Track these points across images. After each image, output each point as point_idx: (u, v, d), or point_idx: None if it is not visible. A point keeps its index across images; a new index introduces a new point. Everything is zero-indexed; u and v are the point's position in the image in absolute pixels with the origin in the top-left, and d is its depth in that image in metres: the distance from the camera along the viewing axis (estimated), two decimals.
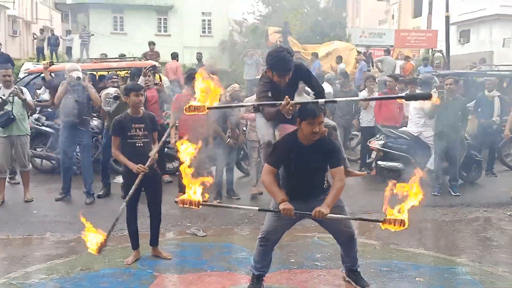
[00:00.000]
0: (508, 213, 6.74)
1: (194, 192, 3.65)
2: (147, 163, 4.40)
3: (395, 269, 4.58)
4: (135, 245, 4.76)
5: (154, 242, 4.83)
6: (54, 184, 7.91)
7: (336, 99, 6.35)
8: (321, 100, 3.72)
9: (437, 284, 4.27)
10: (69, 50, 21.30)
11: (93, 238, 3.94)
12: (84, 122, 6.75)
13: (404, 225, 3.53)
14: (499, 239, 5.69)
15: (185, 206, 3.71)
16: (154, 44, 14.98)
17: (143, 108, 4.83)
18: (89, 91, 6.72)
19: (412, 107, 7.89)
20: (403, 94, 3.68)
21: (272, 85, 3.87)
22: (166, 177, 7.69)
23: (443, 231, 6.10)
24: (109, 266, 4.63)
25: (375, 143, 8.09)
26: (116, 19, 28.23)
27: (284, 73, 3.78)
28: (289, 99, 3.52)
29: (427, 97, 3.56)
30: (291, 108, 3.52)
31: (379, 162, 8.08)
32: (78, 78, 6.58)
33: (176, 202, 3.75)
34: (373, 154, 8.38)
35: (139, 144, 4.56)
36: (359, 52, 16.93)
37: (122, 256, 4.86)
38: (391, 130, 8.04)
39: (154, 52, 14.58)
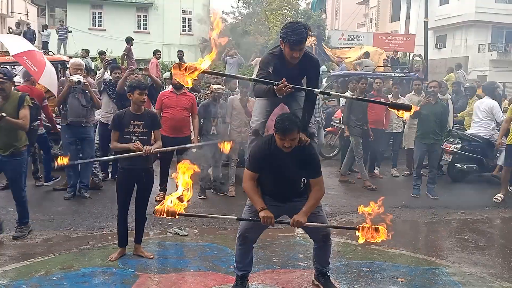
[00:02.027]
0: (485, 215, 6.89)
1: (171, 202, 3.51)
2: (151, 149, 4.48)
3: (377, 269, 4.63)
4: (123, 243, 4.71)
5: (138, 239, 4.77)
6: (29, 182, 7.75)
7: (330, 92, 6.43)
8: (316, 90, 3.74)
9: (418, 284, 4.33)
10: (45, 45, 20.84)
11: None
12: (89, 119, 6.75)
13: (379, 232, 3.54)
14: (477, 241, 5.80)
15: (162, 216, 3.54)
16: (132, 40, 14.80)
17: (144, 106, 4.81)
18: (92, 95, 6.59)
19: (481, 110, 8.30)
20: (388, 102, 3.75)
21: (277, 65, 3.83)
22: None
23: (422, 232, 6.21)
24: (89, 265, 4.54)
25: (452, 147, 8.43)
26: (95, 14, 27.78)
27: (296, 45, 3.69)
28: (286, 82, 3.49)
29: (408, 108, 3.65)
30: (286, 91, 3.50)
31: (457, 164, 8.51)
32: (79, 82, 6.39)
33: (154, 213, 3.57)
34: (447, 157, 8.58)
35: (135, 141, 4.53)
36: (387, 56, 16.88)
37: (102, 255, 4.77)
38: (465, 133, 8.69)
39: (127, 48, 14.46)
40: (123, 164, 4.61)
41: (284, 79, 3.52)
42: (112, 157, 5.36)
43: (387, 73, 11.99)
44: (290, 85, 3.50)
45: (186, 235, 5.54)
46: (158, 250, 5.03)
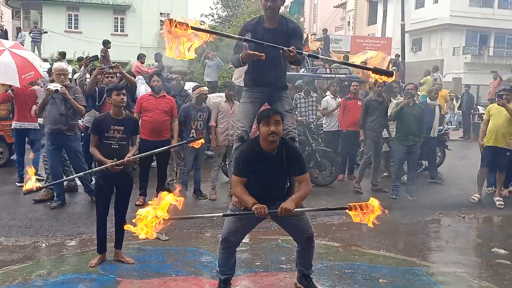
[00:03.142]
0: (462, 215, 7.01)
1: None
2: (124, 159, 4.41)
3: (359, 271, 4.65)
4: (103, 248, 4.63)
5: (119, 244, 4.71)
6: (6, 187, 7.60)
7: (317, 55, 6.39)
8: (305, 53, 3.77)
9: (399, 285, 4.37)
10: None
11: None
12: (71, 127, 6.44)
13: (371, 208, 3.46)
14: (456, 241, 5.90)
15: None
16: (109, 42, 14.63)
17: (126, 111, 4.74)
18: (71, 102, 6.28)
19: None
20: (371, 67, 3.70)
21: (257, 31, 3.94)
22: None
23: (402, 233, 6.28)
24: (68, 271, 4.45)
25: None
26: (71, 16, 27.41)
27: None
28: (257, 52, 3.62)
29: (391, 74, 3.61)
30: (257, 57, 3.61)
31: None
32: (56, 90, 6.16)
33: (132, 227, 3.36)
34: None
35: (114, 146, 4.47)
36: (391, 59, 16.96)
37: (81, 261, 4.69)
38: None
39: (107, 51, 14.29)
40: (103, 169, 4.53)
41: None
42: (88, 171, 5.31)
43: (328, 75, 11.97)
44: (262, 54, 3.60)
45: (167, 239, 5.49)
46: (139, 255, 4.96)
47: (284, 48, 3.51)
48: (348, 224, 6.34)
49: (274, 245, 5.37)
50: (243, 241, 5.31)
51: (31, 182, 4.00)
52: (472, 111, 15.84)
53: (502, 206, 7.37)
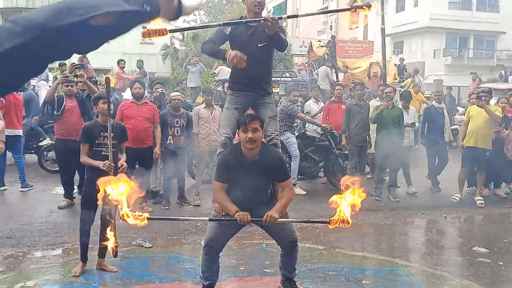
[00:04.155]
0: (444, 216, 7.10)
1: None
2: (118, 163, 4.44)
3: (342, 272, 4.69)
4: (85, 257, 4.58)
5: (102, 253, 4.67)
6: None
7: (298, 14, 6.35)
8: (284, 16, 3.82)
9: (381, 286, 4.42)
10: None
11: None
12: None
13: (348, 224, 3.48)
14: (437, 240, 5.98)
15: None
16: None
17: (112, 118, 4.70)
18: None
19: None
20: (349, 7, 3.66)
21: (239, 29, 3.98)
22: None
23: (385, 234, 6.34)
24: (51, 281, 4.42)
25: None
26: None
27: None
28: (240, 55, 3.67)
29: (368, 6, 3.57)
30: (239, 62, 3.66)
31: None
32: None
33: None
34: None
35: (105, 153, 4.43)
36: (394, 64, 17.02)
37: (64, 271, 4.65)
38: None
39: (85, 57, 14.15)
40: (90, 175, 4.48)
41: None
42: None
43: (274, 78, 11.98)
44: (244, 58, 3.64)
45: (151, 246, 5.47)
46: (122, 263, 4.92)
47: (264, 17, 3.55)
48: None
49: (259, 250, 5.38)
50: (228, 246, 5.35)
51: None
52: (453, 113, 16.08)
53: (483, 205, 7.49)
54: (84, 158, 4.53)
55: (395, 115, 7.54)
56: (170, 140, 6.79)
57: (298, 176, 8.11)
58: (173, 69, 25.07)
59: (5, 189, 7.71)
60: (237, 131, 3.72)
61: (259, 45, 4.00)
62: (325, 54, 16.34)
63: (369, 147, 8.20)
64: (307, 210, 7.09)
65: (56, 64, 14.51)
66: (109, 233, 3.91)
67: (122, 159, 4.61)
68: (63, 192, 7.08)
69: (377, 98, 8.67)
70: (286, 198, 3.73)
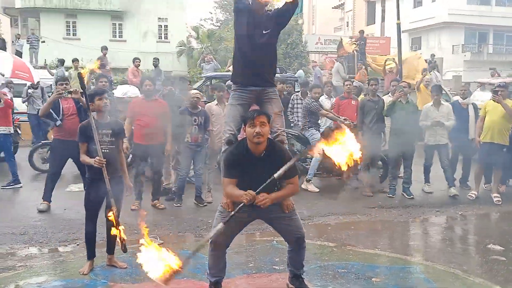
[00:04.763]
0: (460, 213, 6.97)
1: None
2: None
3: (352, 270, 4.63)
4: (92, 255, 4.61)
5: (111, 249, 4.69)
6: (3, 193, 7.60)
7: None
8: None
9: (392, 284, 4.35)
10: (18, 54, 20.56)
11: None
12: None
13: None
14: (452, 238, 5.88)
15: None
16: (106, 49, 14.66)
17: (109, 115, 4.71)
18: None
19: None
20: None
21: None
22: None
23: (398, 231, 6.25)
24: (61, 277, 4.45)
25: None
26: (69, 23, 27.52)
27: None
28: None
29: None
30: None
31: None
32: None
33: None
34: None
35: (105, 150, 4.42)
36: (425, 61, 16.84)
37: (74, 267, 4.68)
38: None
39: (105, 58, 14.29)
40: (91, 174, 4.49)
41: None
42: None
43: None
44: None
45: (162, 243, 5.46)
46: (132, 260, 4.93)
47: None
48: (344, 224, 6.34)
49: (269, 247, 5.35)
50: (238, 242, 5.33)
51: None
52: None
53: (500, 203, 7.33)
54: (83, 157, 4.51)
55: (409, 110, 7.41)
56: (188, 137, 6.77)
57: (317, 172, 8.05)
58: (189, 67, 25.16)
59: (21, 187, 7.84)
60: (243, 127, 3.68)
61: (264, 31, 3.96)
62: (354, 50, 16.18)
63: (384, 144, 8.08)
64: (319, 207, 7.02)
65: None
66: (115, 230, 3.98)
67: (124, 165, 4.63)
68: (77, 189, 7.15)
69: (389, 94, 8.52)
70: (287, 190, 3.68)
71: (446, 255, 5.20)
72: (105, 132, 4.48)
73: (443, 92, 8.78)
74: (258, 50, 3.89)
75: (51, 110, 6.43)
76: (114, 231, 4.12)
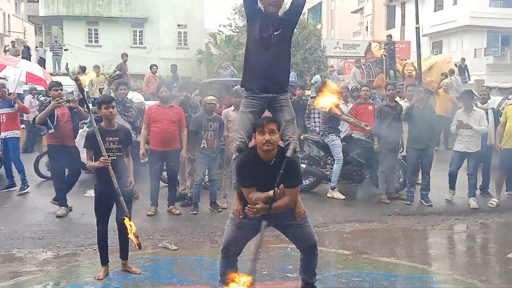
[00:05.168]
0: (480, 221, 6.83)
1: None
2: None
3: (366, 279, 4.57)
4: (105, 260, 4.65)
5: (124, 255, 4.73)
6: (22, 199, 7.74)
7: None
8: None
9: None
10: (41, 61, 21.01)
11: None
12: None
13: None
14: (471, 247, 5.77)
15: None
16: (126, 56, 14.86)
17: (117, 122, 4.75)
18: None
19: None
20: None
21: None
22: None
23: (415, 240, 6.15)
24: (76, 282, 4.51)
25: None
26: (91, 31, 28.01)
27: None
28: None
29: None
30: None
31: None
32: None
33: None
34: None
35: (113, 158, 4.47)
36: (455, 65, 16.73)
37: (90, 272, 4.74)
38: None
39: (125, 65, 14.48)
40: (98, 179, 4.54)
41: None
42: None
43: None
44: None
45: (176, 249, 5.51)
46: (147, 265, 4.98)
47: None
48: (360, 231, 6.27)
49: (283, 254, 5.33)
50: (252, 249, 5.32)
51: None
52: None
53: None
54: (88, 163, 4.55)
55: (427, 115, 7.31)
56: (204, 143, 6.79)
57: (339, 180, 7.97)
58: (208, 74, 25.31)
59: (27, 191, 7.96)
60: (253, 134, 3.68)
61: (274, 33, 3.94)
62: (383, 55, 16.07)
63: (401, 150, 7.96)
64: (335, 214, 6.97)
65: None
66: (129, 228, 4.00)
67: (131, 173, 4.63)
68: (88, 194, 7.22)
69: (405, 99, 8.41)
70: (284, 201, 3.61)
71: (465, 264, 5.11)
72: (112, 139, 4.50)
73: (475, 97, 8.39)
74: (268, 54, 3.87)
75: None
76: (128, 228, 4.17)
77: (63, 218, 6.61)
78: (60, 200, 6.76)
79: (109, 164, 4.33)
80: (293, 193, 3.68)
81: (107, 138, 4.48)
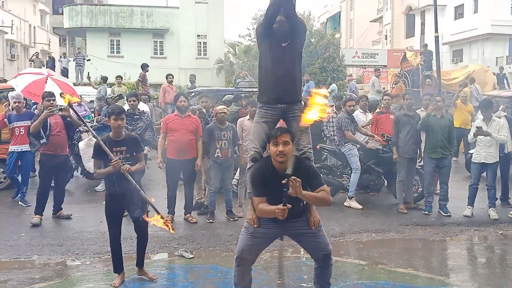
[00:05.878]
0: (500, 232, 6.70)
1: None
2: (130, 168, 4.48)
3: None
4: (119, 268, 4.70)
5: (140, 263, 4.79)
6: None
7: None
8: None
9: None
10: (64, 72, 21.48)
11: None
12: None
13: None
14: (489, 258, 5.66)
15: None
16: (147, 66, 15.07)
17: (125, 130, 4.81)
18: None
19: None
20: None
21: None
22: None
23: (433, 250, 6.06)
24: None
25: None
26: (113, 42, 28.54)
27: None
28: None
29: None
30: None
31: None
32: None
33: None
34: None
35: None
36: (493, 73, 16.62)
37: (106, 279, 4.81)
38: None
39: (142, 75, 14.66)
40: (109, 190, 4.60)
41: None
42: None
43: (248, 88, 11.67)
44: None
45: (192, 257, 5.54)
46: (163, 273, 5.03)
47: None
48: (377, 242, 6.22)
49: (298, 263, 5.32)
50: (267, 259, 5.33)
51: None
52: None
53: None
54: (97, 171, 4.62)
55: (444, 124, 7.24)
56: (218, 153, 6.84)
57: (356, 189, 7.89)
58: (227, 83, 25.52)
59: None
60: (268, 144, 3.71)
61: (283, 44, 3.99)
62: (419, 64, 15.85)
63: (420, 160, 7.88)
64: (351, 223, 6.91)
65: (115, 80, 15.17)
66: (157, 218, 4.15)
67: (137, 166, 4.63)
68: (100, 188, 7.32)
69: (422, 108, 8.32)
70: (320, 194, 3.64)
71: (484, 276, 5.02)
72: (119, 149, 4.55)
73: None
74: (279, 65, 3.92)
75: None
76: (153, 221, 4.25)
77: (82, 225, 6.72)
78: (38, 208, 6.82)
79: (120, 164, 4.37)
80: (325, 190, 3.70)
81: (114, 149, 4.51)
